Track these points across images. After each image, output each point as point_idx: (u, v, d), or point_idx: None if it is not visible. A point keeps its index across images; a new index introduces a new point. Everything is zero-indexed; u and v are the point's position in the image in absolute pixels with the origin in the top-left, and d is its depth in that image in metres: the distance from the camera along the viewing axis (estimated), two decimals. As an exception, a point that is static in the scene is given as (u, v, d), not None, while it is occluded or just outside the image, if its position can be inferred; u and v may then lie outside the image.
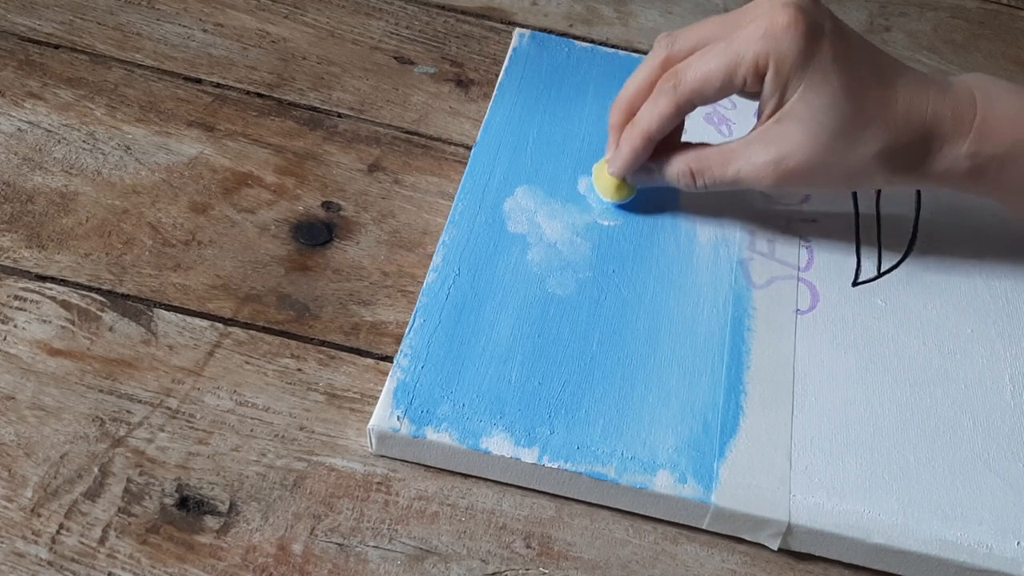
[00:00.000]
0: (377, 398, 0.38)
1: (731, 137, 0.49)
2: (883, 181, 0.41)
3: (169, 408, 0.38)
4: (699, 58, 0.40)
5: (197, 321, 0.41)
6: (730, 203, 0.46)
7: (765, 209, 0.46)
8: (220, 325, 0.41)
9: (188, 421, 0.38)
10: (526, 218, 0.45)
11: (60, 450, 0.36)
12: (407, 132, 0.50)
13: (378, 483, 0.37)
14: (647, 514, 0.37)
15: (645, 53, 0.55)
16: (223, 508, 0.36)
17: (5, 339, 0.39)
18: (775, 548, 0.37)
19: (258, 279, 0.43)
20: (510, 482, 0.38)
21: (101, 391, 0.38)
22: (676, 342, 0.41)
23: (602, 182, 0.45)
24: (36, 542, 0.34)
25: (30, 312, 0.40)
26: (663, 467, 0.37)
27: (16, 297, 0.40)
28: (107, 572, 0.34)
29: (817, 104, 0.39)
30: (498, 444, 0.37)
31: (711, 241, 0.45)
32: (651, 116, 0.42)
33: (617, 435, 0.38)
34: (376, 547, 0.35)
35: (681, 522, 0.37)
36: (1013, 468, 0.38)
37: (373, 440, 0.37)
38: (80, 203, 0.44)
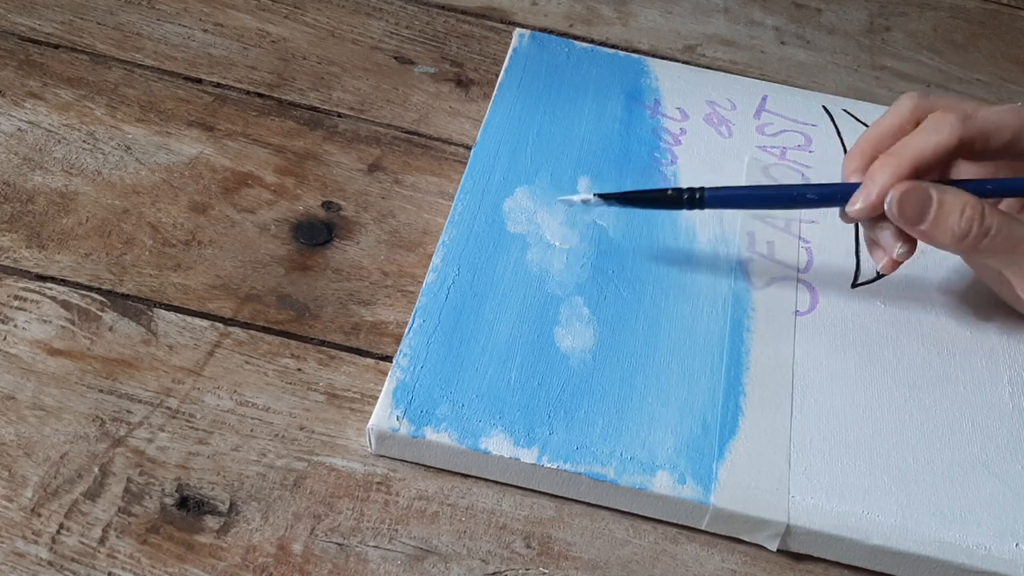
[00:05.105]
0: (377, 398, 0.38)
1: (731, 138, 0.49)
2: None
3: (169, 408, 0.38)
4: (988, 105, 0.36)
5: (197, 321, 0.41)
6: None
7: (765, 210, 0.46)
8: (220, 325, 0.41)
9: (188, 421, 0.38)
10: (526, 218, 0.45)
11: (60, 450, 0.36)
12: (407, 132, 0.50)
13: (378, 483, 0.37)
14: (646, 515, 0.37)
15: (645, 53, 0.56)
16: (223, 508, 0.36)
17: (5, 339, 0.39)
18: (774, 549, 0.37)
19: (258, 279, 0.43)
20: (510, 482, 0.38)
21: (101, 391, 0.38)
22: (675, 343, 0.41)
23: None
24: (36, 542, 0.34)
25: (30, 312, 0.40)
26: (662, 468, 0.37)
27: (16, 297, 0.40)
28: (107, 572, 0.34)
29: None
30: (497, 444, 0.37)
31: (711, 242, 0.45)
32: (924, 142, 0.36)
33: (616, 436, 0.38)
34: (376, 547, 0.35)
35: (680, 523, 0.37)
36: (1012, 470, 0.38)
37: (372, 440, 0.37)
38: (80, 203, 0.44)
